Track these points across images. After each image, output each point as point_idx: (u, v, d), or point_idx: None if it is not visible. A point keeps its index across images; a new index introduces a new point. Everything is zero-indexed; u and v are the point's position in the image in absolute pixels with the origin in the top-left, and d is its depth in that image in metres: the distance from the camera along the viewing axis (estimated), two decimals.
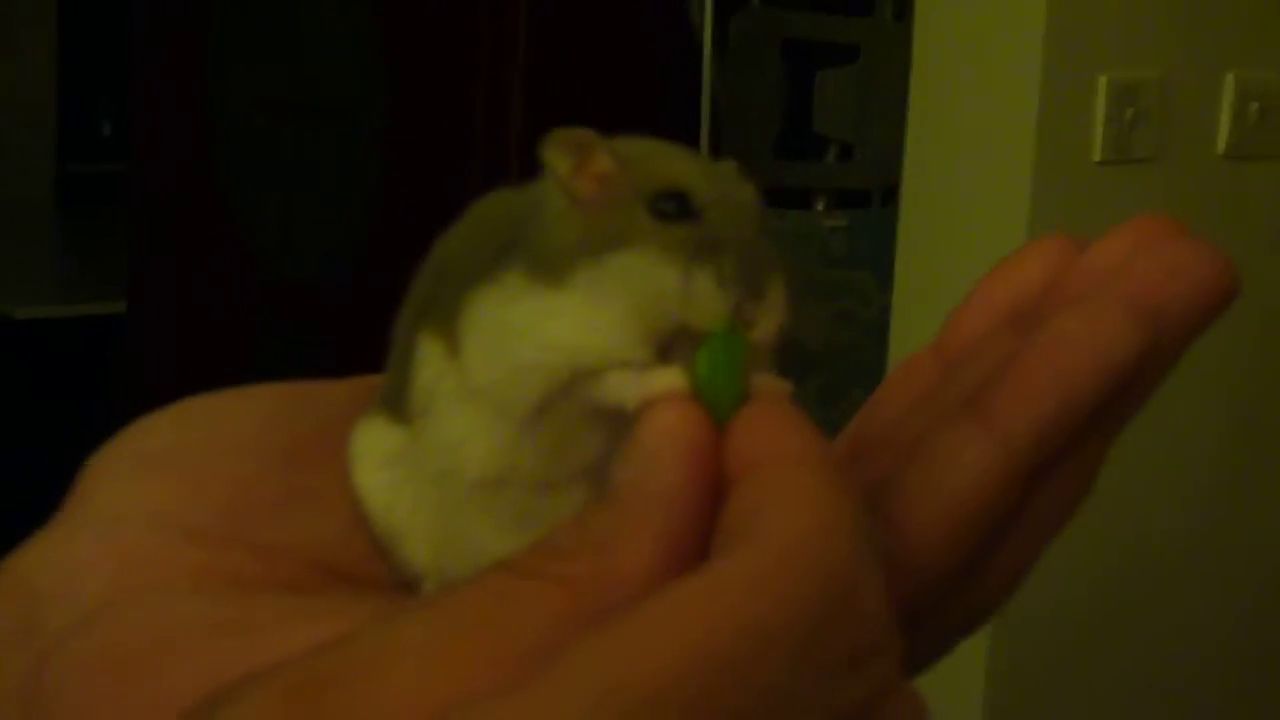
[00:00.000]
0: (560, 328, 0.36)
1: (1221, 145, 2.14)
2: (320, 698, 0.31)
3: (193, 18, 2.77)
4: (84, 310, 3.55)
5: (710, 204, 0.37)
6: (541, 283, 0.37)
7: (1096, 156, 2.00)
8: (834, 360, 2.19)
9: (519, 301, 0.37)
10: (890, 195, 2.22)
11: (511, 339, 0.37)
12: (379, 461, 0.41)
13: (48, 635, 0.38)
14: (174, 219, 2.89)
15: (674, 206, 0.36)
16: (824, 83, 2.26)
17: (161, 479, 0.41)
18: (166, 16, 2.88)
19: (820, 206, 2.27)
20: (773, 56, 2.19)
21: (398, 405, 0.40)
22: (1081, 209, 1.99)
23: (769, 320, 0.36)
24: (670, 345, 0.36)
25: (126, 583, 0.38)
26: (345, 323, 2.35)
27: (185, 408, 0.43)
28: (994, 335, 0.41)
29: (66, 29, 4.67)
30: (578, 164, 0.37)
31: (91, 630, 0.37)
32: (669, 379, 0.35)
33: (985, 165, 2.00)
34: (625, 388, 0.36)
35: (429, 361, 0.39)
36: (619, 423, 0.36)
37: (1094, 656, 2.16)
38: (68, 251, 4.54)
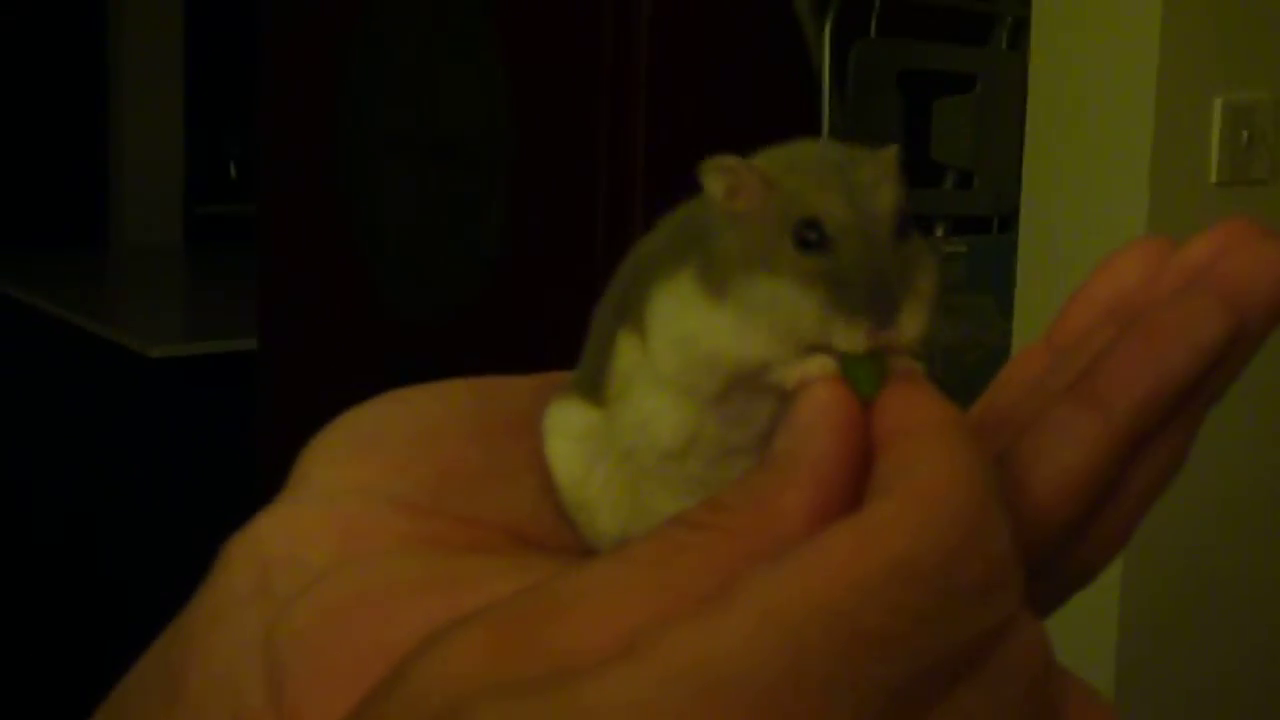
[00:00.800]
0: (721, 340, 0.41)
1: None
2: (517, 630, 0.36)
3: (319, 58, 2.83)
4: (215, 348, 3.61)
5: (844, 231, 0.41)
6: (707, 292, 0.42)
7: (1213, 178, 2.01)
8: (957, 385, 2.21)
9: (689, 308, 0.42)
10: (1009, 221, 2.23)
11: (685, 343, 0.42)
12: (573, 436, 0.46)
13: (279, 596, 0.43)
14: (302, 257, 2.94)
15: (813, 234, 0.41)
16: (941, 111, 2.29)
17: (372, 459, 0.47)
18: (293, 57, 2.93)
19: (940, 233, 2.29)
20: (890, 86, 2.21)
21: (592, 389, 0.46)
22: (1198, 231, 2.00)
23: (902, 338, 0.41)
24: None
25: (347, 549, 0.44)
26: (473, 357, 2.39)
27: (391, 397, 0.49)
28: (1097, 327, 0.47)
29: (193, 72, 4.75)
30: (730, 186, 0.42)
31: (320, 590, 0.43)
32: (821, 363, 0.41)
33: (1103, 189, 2.02)
34: (788, 372, 0.41)
35: (626, 352, 0.44)
36: (784, 398, 0.41)
37: (1222, 599, 2.17)
38: (198, 291, 4.62)
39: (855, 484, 0.39)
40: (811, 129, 2.17)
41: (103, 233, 4.75)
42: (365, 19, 2.68)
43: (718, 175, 0.42)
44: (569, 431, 0.46)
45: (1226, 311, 0.42)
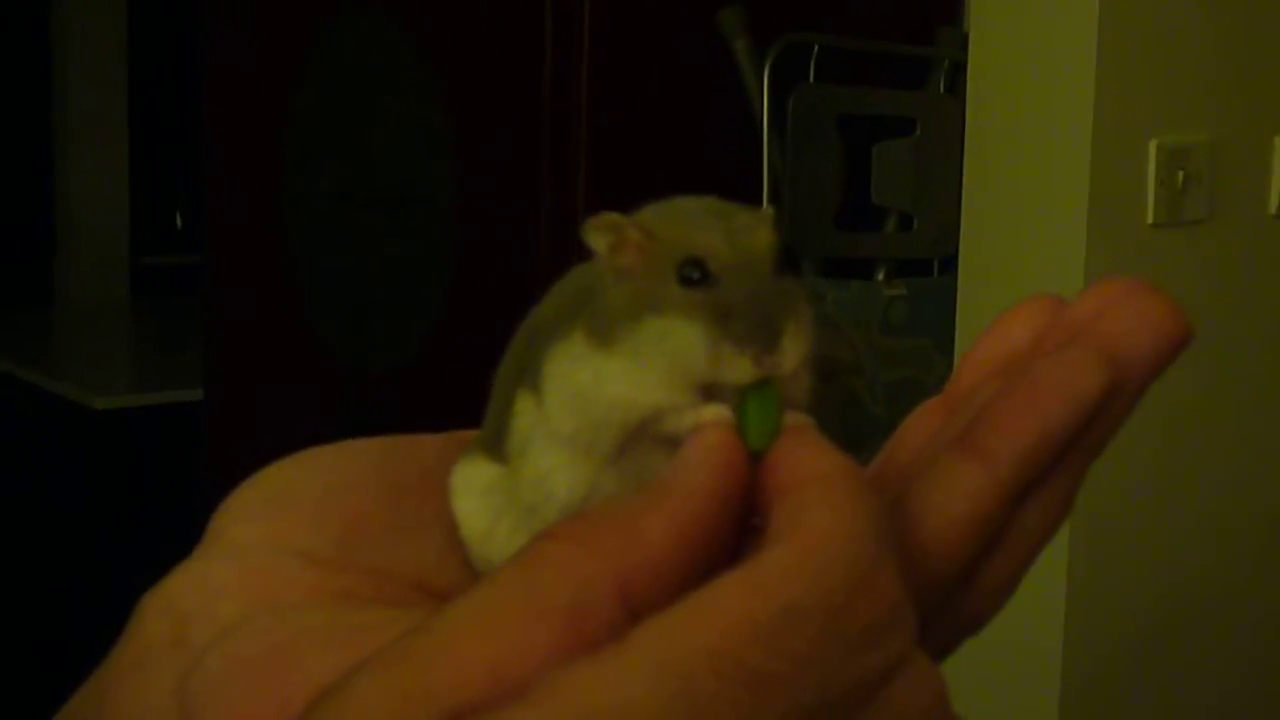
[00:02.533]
0: (615, 388, 0.43)
1: (1273, 206, 2.17)
2: (403, 675, 0.37)
3: (263, 109, 2.83)
4: (161, 399, 3.61)
5: (725, 266, 0.43)
6: (597, 346, 0.44)
7: (1149, 219, 2.03)
8: (898, 426, 2.22)
9: (581, 363, 0.44)
10: (950, 263, 2.25)
11: (580, 398, 0.44)
12: (478, 492, 0.48)
13: (193, 648, 0.44)
14: (248, 308, 2.94)
15: (696, 272, 0.42)
16: (881, 155, 2.30)
17: (283, 515, 0.48)
18: (238, 110, 2.94)
19: (881, 276, 2.31)
20: (830, 131, 2.23)
21: (496, 447, 0.47)
22: (1136, 271, 2.01)
23: (786, 364, 0.42)
24: (715, 390, 0.43)
25: (257, 602, 0.45)
26: (419, 407, 2.40)
27: (302, 456, 0.50)
28: (988, 382, 0.48)
29: (137, 123, 4.75)
30: (614, 243, 0.44)
31: (230, 642, 0.44)
32: (716, 412, 0.42)
33: (1040, 231, 2.04)
34: (682, 419, 0.42)
35: (523, 411, 0.46)
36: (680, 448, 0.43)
37: (1163, 668, 2.18)
38: (143, 342, 4.61)
39: (728, 526, 0.41)
40: (752, 174, 2.18)
41: (48, 287, 4.74)
42: (308, 71, 2.68)
43: (601, 232, 0.44)
44: (474, 488, 0.48)
45: (1105, 365, 0.44)
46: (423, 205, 2.43)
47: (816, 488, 0.40)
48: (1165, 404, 2.10)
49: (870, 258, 2.33)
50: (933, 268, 2.36)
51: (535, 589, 0.38)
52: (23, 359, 3.86)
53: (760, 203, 2.16)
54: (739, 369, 0.42)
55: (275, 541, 0.47)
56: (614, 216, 0.43)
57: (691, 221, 0.43)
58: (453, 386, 2.34)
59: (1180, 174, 2.05)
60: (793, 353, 0.42)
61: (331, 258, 2.65)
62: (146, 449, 3.60)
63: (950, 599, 0.46)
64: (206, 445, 3.04)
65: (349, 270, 2.62)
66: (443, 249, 2.38)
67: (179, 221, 4.92)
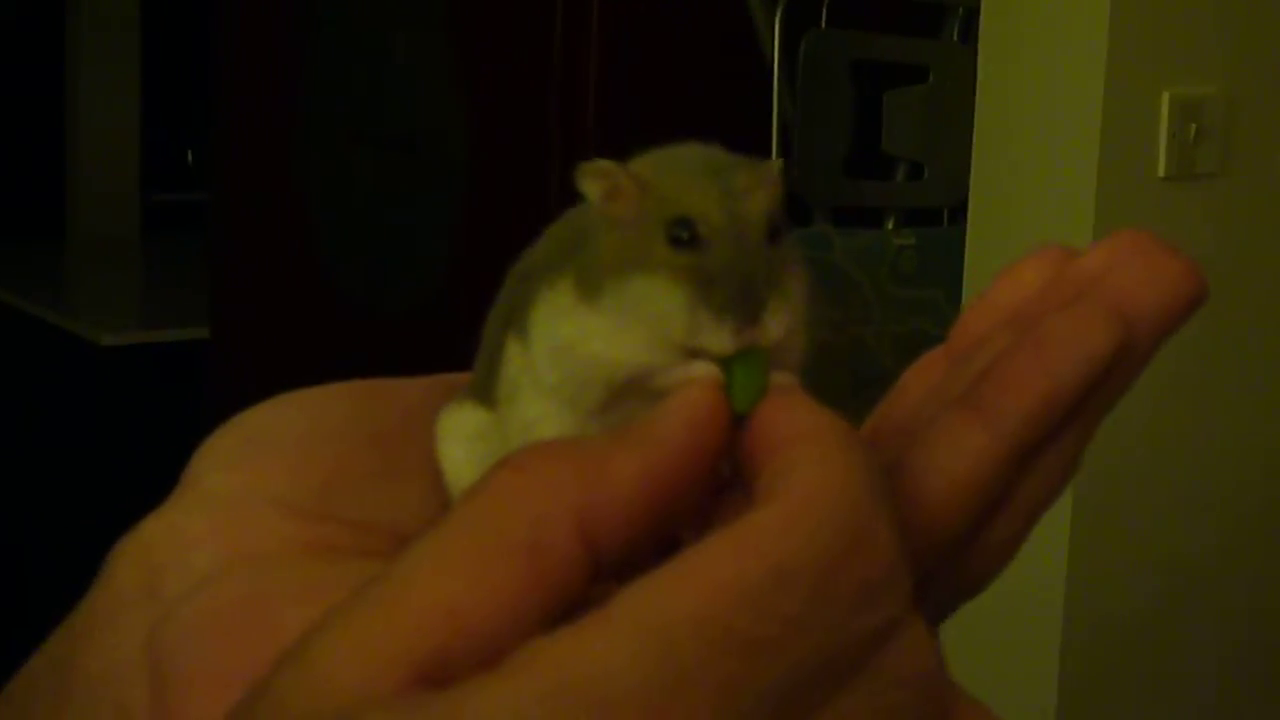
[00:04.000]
0: (597, 345, 0.42)
1: None
2: (369, 630, 0.36)
3: (276, 48, 2.82)
4: (168, 337, 3.60)
5: (715, 230, 0.41)
6: (582, 298, 0.42)
7: (1161, 172, 2.02)
8: None
9: (567, 316, 0.42)
10: (960, 213, 2.24)
11: (563, 352, 0.43)
12: (464, 437, 0.47)
13: (165, 599, 0.43)
14: (255, 248, 2.93)
15: (685, 233, 0.41)
16: (892, 103, 2.29)
17: (262, 462, 0.47)
18: (249, 48, 2.93)
19: (890, 224, 2.30)
20: (841, 77, 2.22)
21: (484, 393, 0.46)
22: (1146, 224, 1.99)
23: (766, 337, 0.41)
24: (699, 352, 0.41)
25: (232, 553, 0.44)
26: (424, 349, 2.39)
27: (283, 400, 0.49)
28: (994, 335, 0.46)
29: (149, 62, 4.73)
30: (607, 191, 0.42)
31: (203, 593, 0.43)
32: (706, 368, 0.41)
33: (1051, 183, 2.03)
34: (670, 375, 0.41)
35: (512, 358, 0.45)
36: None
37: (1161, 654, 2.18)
38: (152, 279, 4.61)
39: (700, 482, 0.39)
40: (763, 119, 2.17)
41: (59, 222, 4.73)
42: (319, 10, 2.67)
43: (594, 179, 0.42)
44: (461, 434, 0.47)
45: (1115, 322, 0.42)
46: (433, 145, 2.42)
47: (806, 444, 0.38)
48: (1173, 361, 2.09)
49: (880, 206, 2.32)
50: (943, 217, 2.36)
51: (492, 524, 0.37)
52: (31, 294, 3.85)
53: (770, 150, 2.15)
54: (718, 340, 0.41)
55: (252, 489, 0.46)
56: (608, 164, 0.42)
57: (688, 177, 0.42)
58: (463, 327, 2.33)
59: (1193, 126, 2.04)
60: (775, 325, 0.41)
61: (340, 198, 2.65)
62: (153, 386, 3.60)
63: (950, 561, 0.44)
64: (212, 384, 3.03)
65: (358, 210, 2.61)
66: (452, 189, 2.38)
67: (190, 158, 4.90)
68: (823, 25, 2.19)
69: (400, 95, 2.49)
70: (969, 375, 0.44)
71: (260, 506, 0.45)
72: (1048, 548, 2.04)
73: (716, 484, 0.41)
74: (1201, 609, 2.22)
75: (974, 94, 2.14)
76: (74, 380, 3.67)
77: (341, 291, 2.66)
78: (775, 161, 0.43)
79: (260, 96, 2.89)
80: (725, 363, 0.41)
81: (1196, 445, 2.17)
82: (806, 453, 0.38)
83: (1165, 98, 2.01)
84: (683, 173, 0.42)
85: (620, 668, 0.35)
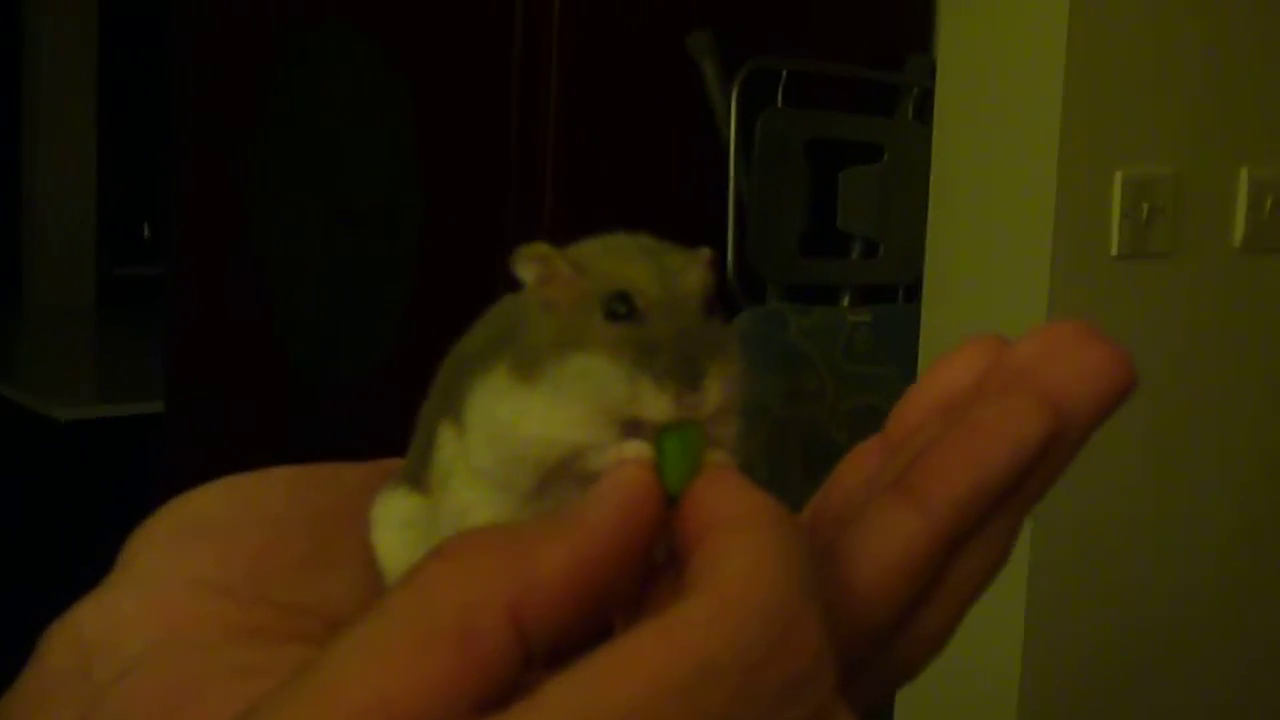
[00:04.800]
0: (533, 425, 0.42)
1: (1237, 239, 2.17)
2: (288, 711, 0.36)
3: (232, 120, 2.82)
4: (124, 411, 3.59)
5: (653, 303, 0.42)
6: (520, 379, 0.43)
7: (1114, 251, 2.03)
8: None
9: (502, 397, 0.43)
10: (915, 290, 2.24)
11: (499, 433, 0.43)
12: (398, 523, 0.47)
13: (97, 680, 0.43)
14: (212, 321, 2.93)
15: (622, 307, 0.42)
16: (848, 181, 2.30)
17: (196, 546, 0.47)
18: (206, 120, 2.93)
19: (845, 302, 2.30)
20: (797, 155, 2.22)
21: (418, 480, 0.46)
22: (1100, 303, 2.02)
23: (708, 404, 0.41)
24: (636, 427, 0.42)
25: (165, 636, 0.44)
26: (381, 423, 2.39)
27: (220, 484, 0.49)
28: (928, 424, 0.46)
29: (106, 132, 4.73)
30: (542, 274, 0.43)
31: (134, 677, 0.43)
32: (637, 448, 0.41)
33: (1005, 260, 2.04)
34: (603, 456, 0.41)
35: (446, 443, 0.45)
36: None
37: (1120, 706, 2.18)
38: (108, 353, 4.59)
39: (633, 565, 0.39)
40: (719, 197, 2.18)
41: (15, 293, 4.72)
42: (277, 85, 2.67)
43: (529, 264, 0.43)
44: (395, 520, 0.47)
45: (1046, 411, 0.43)
46: (388, 219, 2.42)
47: (734, 531, 0.39)
48: (1129, 438, 2.10)
49: (835, 284, 2.33)
50: (898, 295, 2.36)
51: (422, 614, 0.37)
52: None
53: (725, 226, 2.16)
54: (658, 406, 0.41)
55: (184, 573, 0.46)
56: (543, 247, 0.43)
57: (622, 257, 0.43)
58: (414, 400, 2.33)
59: (1145, 206, 2.05)
60: (715, 392, 0.42)
61: (296, 270, 2.65)
62: (108, 461, 3.58)
63: (882, 647, 0.45)
64: (167, 459, 3.02)
65: (313, 283, 2.61)
66: (407, 263, 2.38)
67: (147, 231, 4.90)
68: (779, 104, 2.20)
69: (356, 171, 2.49)
70: (902, 463, 0.45)
71: (192, 589, 0.46)
72: (1007, 582, 2.04)
73: (652, 566, 0.41)
74: (1162, 669, 2.22)
75: (928, 172, 2.15)
76: (27, 455, 3.65)
77: (296, 363, 2.65)
78: (705, 250, 0.44)
79: (218, 170, 2.89)
80: (659, 442, 0.41)
81: (1145, 521, 2.17)
82: (736, 541, 0.38)
83: (1118, 177, 2.02)
84: (616, 253, 0.43)
85: None
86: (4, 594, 3.70)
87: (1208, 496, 2.22)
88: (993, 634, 2.04)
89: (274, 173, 2.70)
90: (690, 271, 0.43)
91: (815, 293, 2.28)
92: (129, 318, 4.66)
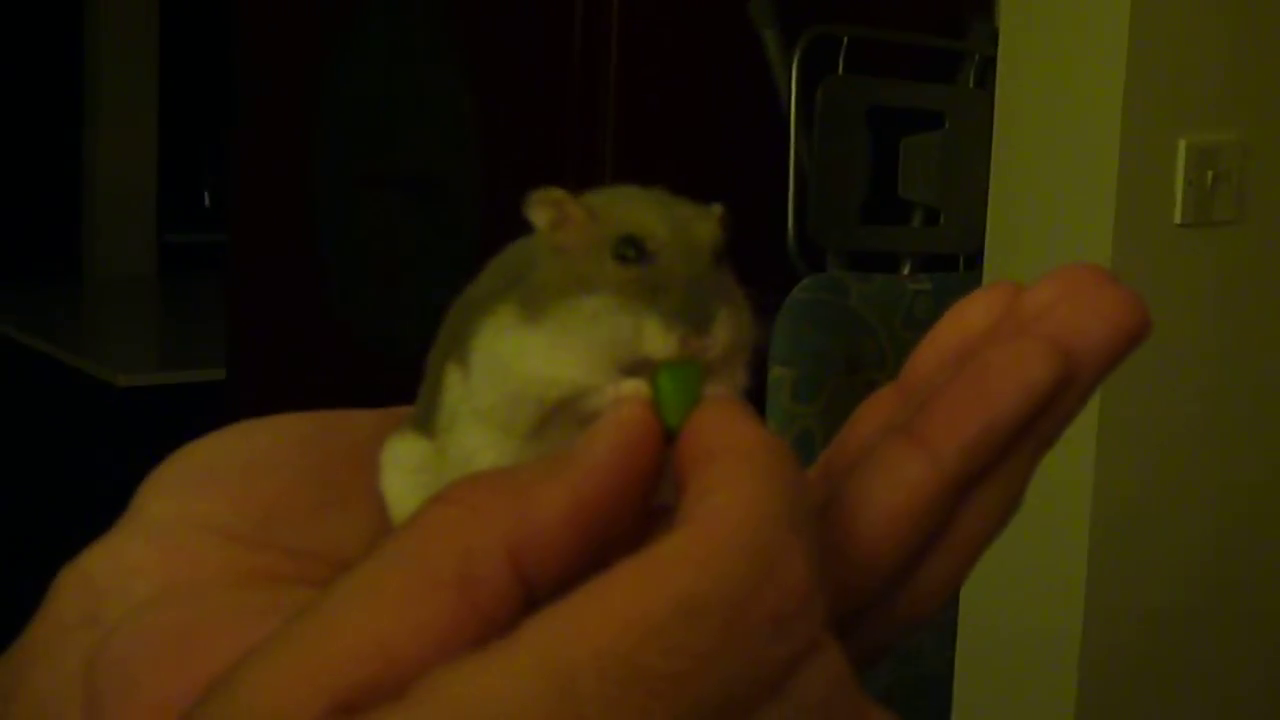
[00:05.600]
0: (533, 363, 0.42)
1: None
2: (286, 652, 0.36)
3: (293, 91, 2.83)
4: (184, 378, 3.60)
5: (663, 246, 0.41)
6: (525, 319, 0.42)
7: (1177, 219, 2.02)
8: None
9: (506, 336, 0.43)
10: (976, 259, 2.24)
11: (501, 370, 0.42)
12: (407, 468, 0.46)
13: (105, 625, 0.43)
14: (272, 288, 2.94)
15: (632, 250, 0.41)
16: (909, 149, 2.29)
17: (206, 491, 0.47)
18: (267, 88, 2.93)
19: (906, 270, 2.30)
20: (858, 123, 2.22)
21: (426, 424, 0.46)
22: (1163, 271, 2.01)
23: (714, 348, 0.41)
24: (637, 369, 0.41)
25: (171, 580, 0.44)
26: None
27: (231, 430, 0.49)
28: (942, 370, 0.46)
29: (166, 103, 4.75)
30: (555, 218, 0.42)
31: (139, 620, 0.43)
32: (634, 385, 0.41)
33: (1067, 228, 2.03)
34: (601, 395, 0.41)
35: (451, 386, 0.45)
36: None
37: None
38: (168, 320, 4.61)
39: (632, 503, 0.39)
40: (780, 166, 2.17)
41: (76, 263, 4.75)
42: (337, 53, 2.68)
43: (543, 207, 0.43)
44: (404, 465, 0.46)
45: (1055, 354, 0.42)
46: (448, 189, 2.42)
47: (727, 463, 0.38)
48: (1192, 404, 2.09)
49: (896, 252, 2.32)
50: (958, 263, 2.35)
51: (422, 558, 0.37)
52: (48, 335, 3.86)
53: (786, 194, 2.16)
54: (664, 345, 0.40)
55: (194, 518, 0.46)
56: (557, 192, 0.42)
57: (635, 204, 0.42)
58: None
59: (1209, 173, 2.03)
60: (723, 337, 0.41)
61: (356, 239, 2.65)
62: (170, 427, 3.59)
63: (887, 595, 0.44)
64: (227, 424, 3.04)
65: (373, 252, 2.61)
66: (467, 232, 2.38)
67: (207, 199, 4.92)
68: (840, 72, 2.19)
69: (416, 136, 2.50)
70: (913, 409, 0.44)
71: (201, 534, 0.45)
72: (1068, 548, 2.03)
73: (658, 507, 0.40)
74: (1222, 610, 2.21)
75: (989, 140, 2.14)
76: (90, 421, 3.68)
77: (356, 332, 2.66)
78: (717, 206, 0.43)
79: (277, 136, 2.90)
80: (655, 379, 0.41)
81: (1206, 487, 2.16)
82: (725, 473, 0.38)
83: (1182, 145, 2.01)
84: (630, 201, 0.43)
85: (518, 701, 0.34)
86: (66, 559, 3.72)
87: (1272, 465, 2.21)
88: (1053, 597, 2.04)
89: (334, 140, 2.70)
90: (702, 222, 0.42)
91: (876, 261, 2.28)
92: (189, 285, 4.68)
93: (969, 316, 0.47)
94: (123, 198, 4.72)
